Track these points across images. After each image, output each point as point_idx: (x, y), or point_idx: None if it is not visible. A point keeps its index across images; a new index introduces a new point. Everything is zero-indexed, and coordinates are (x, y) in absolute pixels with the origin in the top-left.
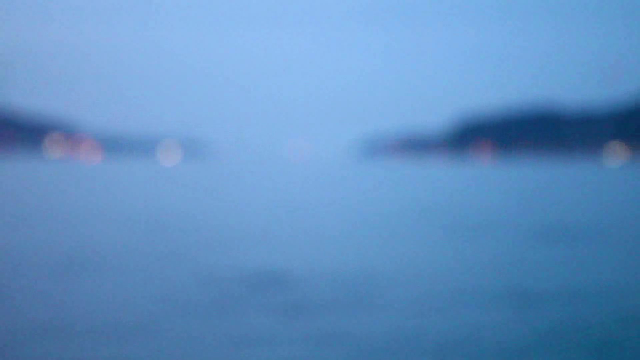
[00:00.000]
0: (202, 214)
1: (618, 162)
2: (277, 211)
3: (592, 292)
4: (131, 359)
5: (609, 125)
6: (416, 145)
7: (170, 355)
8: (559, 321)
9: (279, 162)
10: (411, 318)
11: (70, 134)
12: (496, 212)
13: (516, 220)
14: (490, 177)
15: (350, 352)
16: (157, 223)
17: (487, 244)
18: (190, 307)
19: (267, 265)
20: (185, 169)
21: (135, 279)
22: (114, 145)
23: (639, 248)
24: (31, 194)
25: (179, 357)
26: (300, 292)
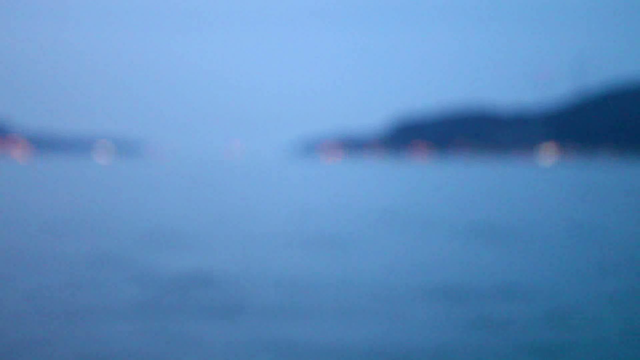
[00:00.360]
0: (133, 213)
1: (549, 162)
2: (210, 210)
3: (521, 290)
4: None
5: (541, 126)
6: (353, 145)
7: (99, 357)
8: (489, 318)
9: (216, 162)
10: (342, 320)
11: (3, 133)
12: (430, 210)
13: (449, 218)
14: (425, 175)
15: (277, 356)
16: (86, 222)
17: (421, 241)
18: (122, 307)
19: (199, 266)
20: (119, 169)
21: (66, 280)
22: (49, 144)
23: (566, 246)
24: None
25: (108, 359)
26: (231, 294)
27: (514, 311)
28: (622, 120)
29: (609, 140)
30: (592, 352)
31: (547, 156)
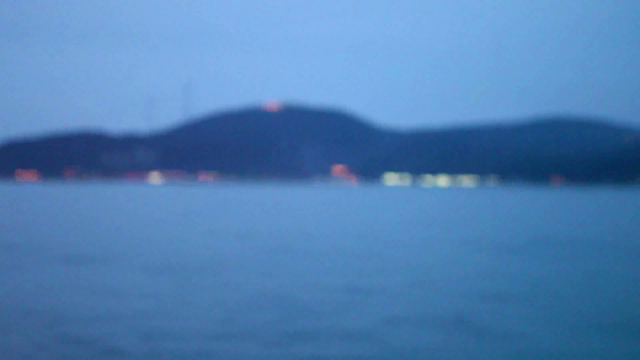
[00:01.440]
0: None
1: (158, 183)
2: None
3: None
4: None
5: (150, 149)
6: None
7: None
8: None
9: None
10: None
11: None
12: (20, 235)
13: (40, 243)
14: (25, 197)
15: None
16: None
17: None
18: None
19: None
20: None
21: None
22: None
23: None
24: None
25: None
26: None
27: (110, 333)
28: (222, 144)
29: (210, 163)
30: None
31: (156, 177)
